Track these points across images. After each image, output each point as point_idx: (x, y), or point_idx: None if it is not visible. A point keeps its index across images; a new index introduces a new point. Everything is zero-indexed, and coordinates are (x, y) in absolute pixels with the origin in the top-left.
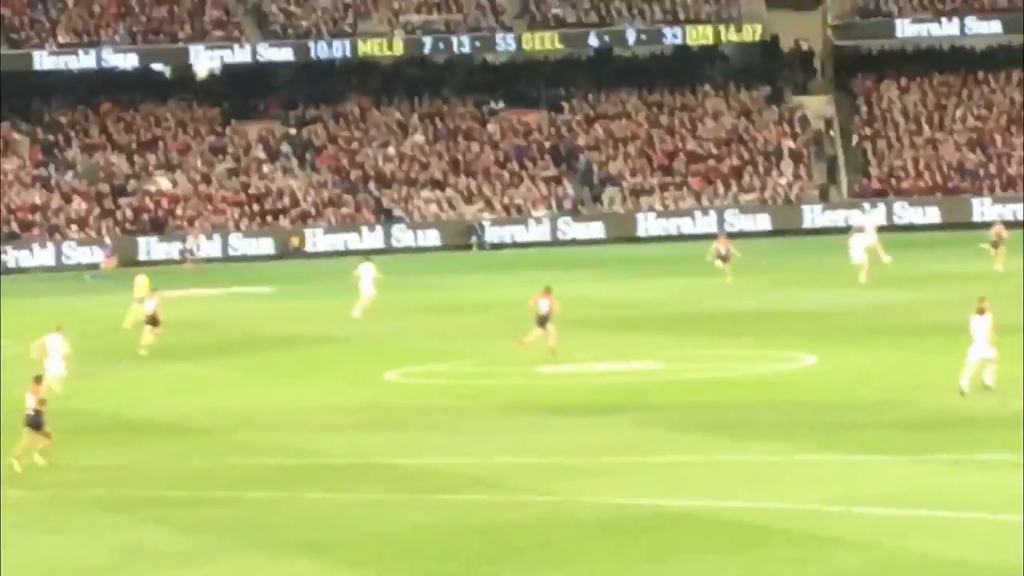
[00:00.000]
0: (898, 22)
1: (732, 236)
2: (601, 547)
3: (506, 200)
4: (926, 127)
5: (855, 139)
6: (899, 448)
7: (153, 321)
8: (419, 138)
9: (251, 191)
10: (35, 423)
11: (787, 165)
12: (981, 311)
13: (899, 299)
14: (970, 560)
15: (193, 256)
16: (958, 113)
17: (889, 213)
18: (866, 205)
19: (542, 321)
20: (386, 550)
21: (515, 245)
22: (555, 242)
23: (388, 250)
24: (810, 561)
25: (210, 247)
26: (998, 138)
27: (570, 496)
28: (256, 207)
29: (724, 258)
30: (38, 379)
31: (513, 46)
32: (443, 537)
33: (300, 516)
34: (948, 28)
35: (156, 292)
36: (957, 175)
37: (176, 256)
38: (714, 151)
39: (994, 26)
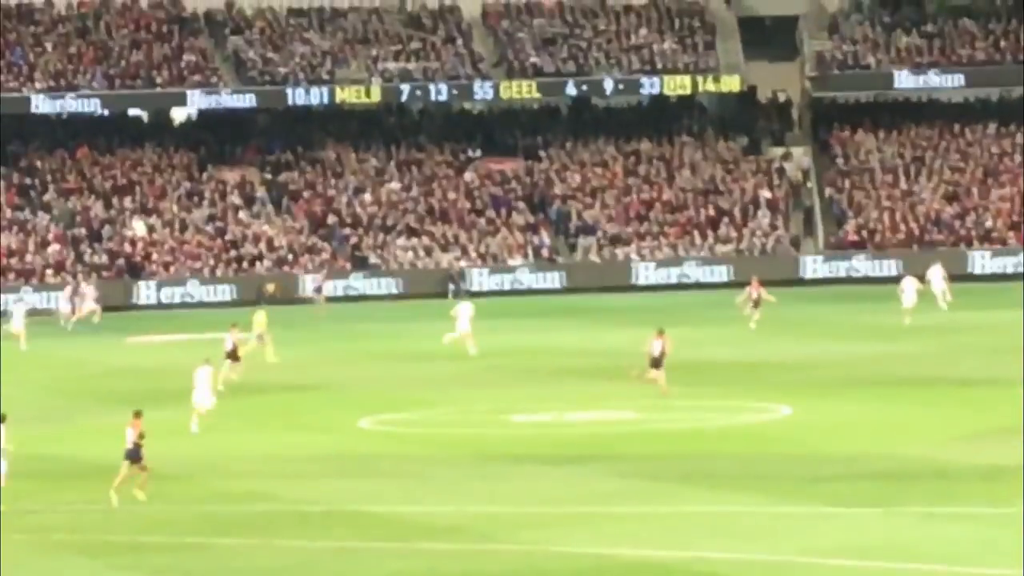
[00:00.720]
0: (875, 74)
1: (703, 287)
2: None
3: (483, 248)
4: (903, 179)
5: (831, 191)
6: (872, 500)
7: (233, 356)
8: (395, 185)
9: (227, 237)
10: (134, 456)
11: (764, 215)
12: None
13: (874, 351)
14: None
15: (319, 296)
16: (935, 165)
17: (867, 264)
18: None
19: (656, 363)
20: None
21: (493, 293)
22: (532, 290)
23: (363, 297)
24: None
25: (331, 288)
26: (974, 190)
27: (543, 545)
28: (232, 253)
29: (756, 303)
30: (137, 414)
31: (491, 94)
32: None
33: (274, 563)
34: (924, 80)
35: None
36: (934, 227)
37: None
38: (691, 201)
39: (972, 79)
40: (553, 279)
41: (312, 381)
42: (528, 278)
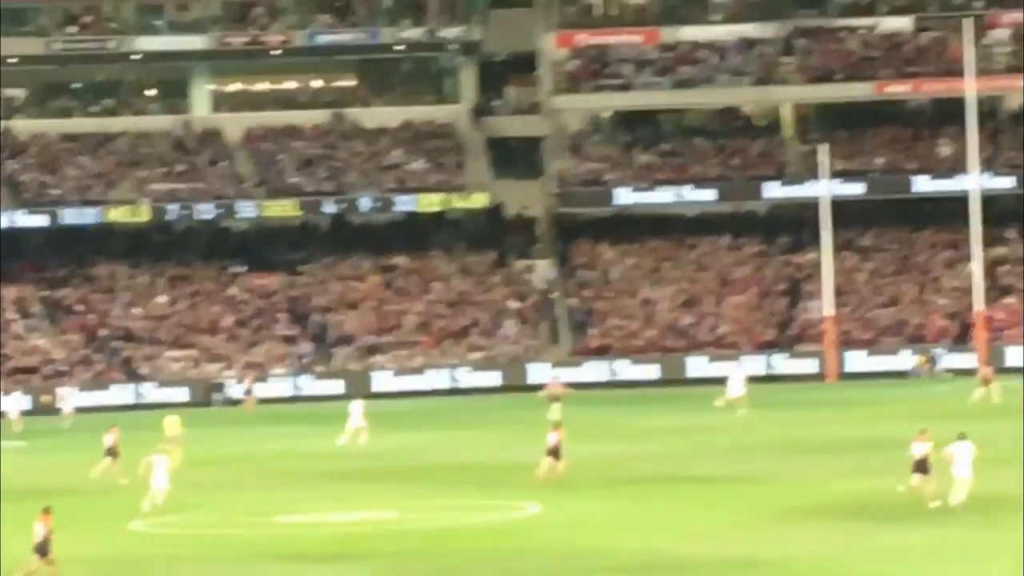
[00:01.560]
0: (615, 191)
1: (461, 392)
2: None
3: (246, 358)
4: (642, 288)
5: (574, 300)
6: None
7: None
8: (164, 299)
9: (4, 351)
10: (42, 551)
11: (513, 325)
12: (962, 437)
13: (620, 451)
14: None
15: (248, 396)
16: (672, 275)
17: (610, 370)
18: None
19: (554, 453)
20: None
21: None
22: (294, 398)
23: (136, 406)
24: None
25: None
26: (710, 299)
27: None
28: (10, 365)
29: (557, 398)
30: (46, 510)
31: (253, 213)
32: None
33: None
34: (661, 196)
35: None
36: (672, 334)
37: None
38: (444, 312)
39: (706, 194)
40: (317, 387)
41: (85, 486)
42: (305, 384)
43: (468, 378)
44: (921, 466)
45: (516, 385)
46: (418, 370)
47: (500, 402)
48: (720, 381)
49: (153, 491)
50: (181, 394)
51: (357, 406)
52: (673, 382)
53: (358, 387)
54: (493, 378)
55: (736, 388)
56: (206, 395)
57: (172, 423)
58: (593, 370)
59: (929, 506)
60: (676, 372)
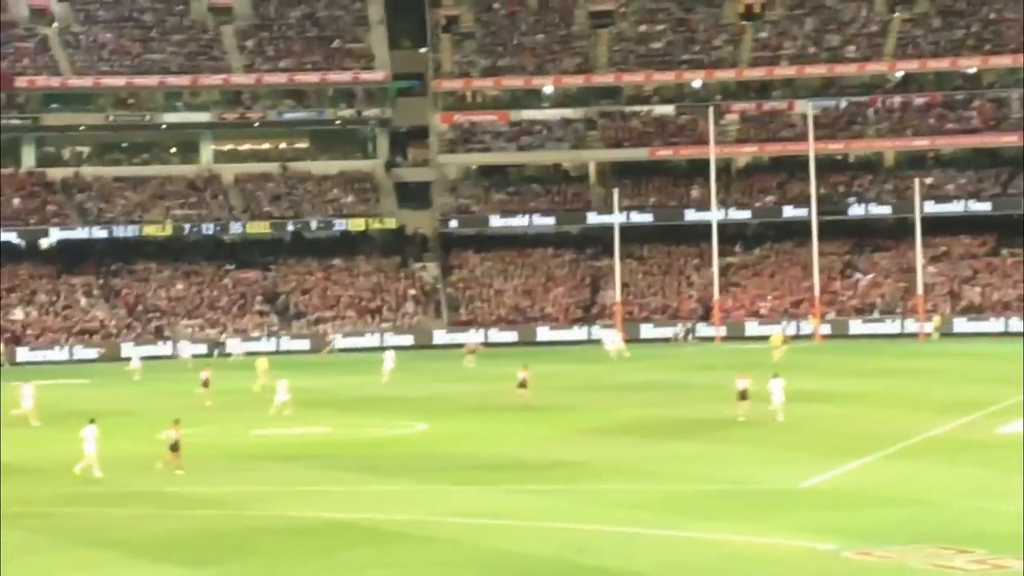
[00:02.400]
0: (478, 218)
1: (378, 349)
2: (289, 545)
3: (234, 326)
4: (495, 282)
5: (451, 290)
6: (482, 482)
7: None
8: (181, 286)
9: (74, 319)
10: (175, 448)
11: (411, 306)
12: (775, 375)
13: (486, 388)
14: (522, 552)
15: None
16: (516, 273)
17: (485, 336)
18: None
19: (522, 384)
20: (154, 546)
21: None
22: (275, 352)
23: (164, 357)
24: (425, 552)
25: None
26: (540, 289)
27: (272, 512)
28: (77, 328)
29: (473, 351)
30: (176, 421)
31: (240, 230)
32: (189, 538)
33: (99, 524)
34: (509, 221)
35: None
36: (520, 313)
37: None
38: (366, 296)
39: (540, 220)
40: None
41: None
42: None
43: (389, 340)
44: (743, 395)
45: (413, 345)
46: (351, 333)
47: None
48: (556, 344)
49: (277, 404)
50: (194, 349)
51: (390, 355)
52: (525, 343)
53: (317, 346)
54: (407, 339)
55: (612, 343)
56: (210, 351)
57: (262, 362)
58: (471, 336)
59: (739, 419)
60: (529, 337)
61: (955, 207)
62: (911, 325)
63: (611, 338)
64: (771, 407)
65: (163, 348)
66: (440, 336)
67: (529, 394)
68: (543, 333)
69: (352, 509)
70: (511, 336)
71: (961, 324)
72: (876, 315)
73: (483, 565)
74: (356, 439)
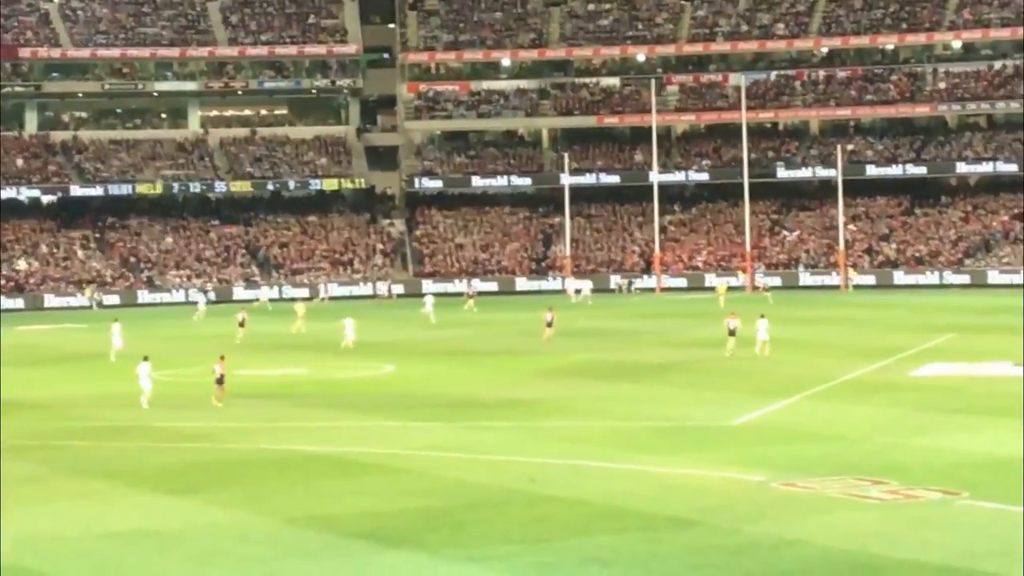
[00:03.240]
0: (449, 177)
1: (346, 298)
2: (269, 475)
3: (220, 275)
4: (457, 237)
5: (416, 244)
6: (443, 418)
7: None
8: (170, 240)
9: (73, 269)
10: (220, 381)
11: (380, 258)
12: (762, 316)
13: (451, 334)
14: (481, 482)
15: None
16: (476, 229)
17: (438, 287)
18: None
19: (549, 325)
20: (151, 475)
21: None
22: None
23: (158, 304)
24: (393, 482)
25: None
26: (497, 244)
27: (253, 445)
28: (75, 278)
29: (471, 297)
30: (222, 357)
31: (225, 189)
32: (179, 469)
33: (96, 456)
34: (470, 182)
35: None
36: (475, 264)
37: None
38: (339, 249)
39: (497, 181)
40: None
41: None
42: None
43: (354, 290)
44: (732, 332)
45: (379, 295)
46: (345, 283)
47: (371, 305)
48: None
49: (347, 341)
50: (179, 296)
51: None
52: (503, 293)
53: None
54: (367, 290)
55: (576, 291)
56: (203, 296)
57: (300, 306)
58: (435, 287)
59: (727, 355)
60: (507, 287)
61: (873, 171)
62: (834, 278)
63: (576, 286)
64: (757, 347)
65: (155, 296)
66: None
67: (551, 333)
68: (521, 283)
69: (327, 443)
70: (492, 286)
71: (879, 276)
72: (801, 268)
73: (446, 494)
74: (330, 379)
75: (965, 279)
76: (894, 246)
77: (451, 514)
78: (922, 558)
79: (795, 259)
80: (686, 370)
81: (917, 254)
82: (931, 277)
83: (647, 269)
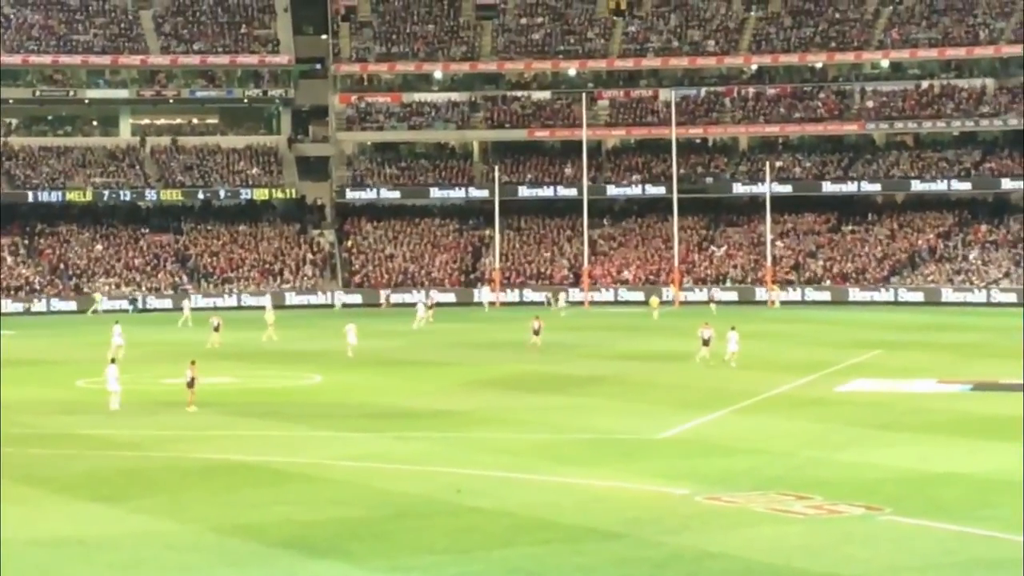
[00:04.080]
0: (379, 188)
1: (281, 308)
2: (195, 483)
3: (149, 284)
4: (387, 248)
5: (346, 255)
6: (371, 429)
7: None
8: (100, 247)
9: (2, 275)
10: (191, 384)
11: (310, 268)
12: (733, 328)
13: (381, 344)
14: (407, 492)
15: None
16: (405, 240)
17: (371, 296)
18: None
19: (536, 333)
20: (76, 482)
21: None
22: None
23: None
24: (319, 491)
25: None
26: (426, 255)
27: (179, 453)
28: (5, 284)
29: (430, 308)
30: (193, 361)
31: (155, 197)
32: (105, 476)
33: (25, 462)
34: (400, 193)
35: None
36: (405, 276)
37: None
38: (269, 259)
39: (428, 192)
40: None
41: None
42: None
43: (292, 300)
44: (706, 343)
45: (312, 304)
46: (255, 293)
47: (306, 315)
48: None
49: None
50: (110, 305)
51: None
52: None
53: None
54: (311, 300)
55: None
56: (132, 304)
57: (270, 314)
58: (369, 297)
59: (696, 362)
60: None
61: (801, 188)
62: (760, 293)
63: (489, 297)
64: (726, 356)
65: (81, 303)
66: (337, 297)
67: (539, 340)
68: (481, 294)
69: (253, 452)
70: (450, 297)
71: (805, 293)
72: (729, 284)
73: (372, 504)
74: (256, 388)
75: (890, 296)
76: (821, 262)
77: (377, 524)
78: (844, 572)
79: (723, 274)
80: (614, 383)
81: (843, 270)
82: (857, 294)
83: (576, 282)
